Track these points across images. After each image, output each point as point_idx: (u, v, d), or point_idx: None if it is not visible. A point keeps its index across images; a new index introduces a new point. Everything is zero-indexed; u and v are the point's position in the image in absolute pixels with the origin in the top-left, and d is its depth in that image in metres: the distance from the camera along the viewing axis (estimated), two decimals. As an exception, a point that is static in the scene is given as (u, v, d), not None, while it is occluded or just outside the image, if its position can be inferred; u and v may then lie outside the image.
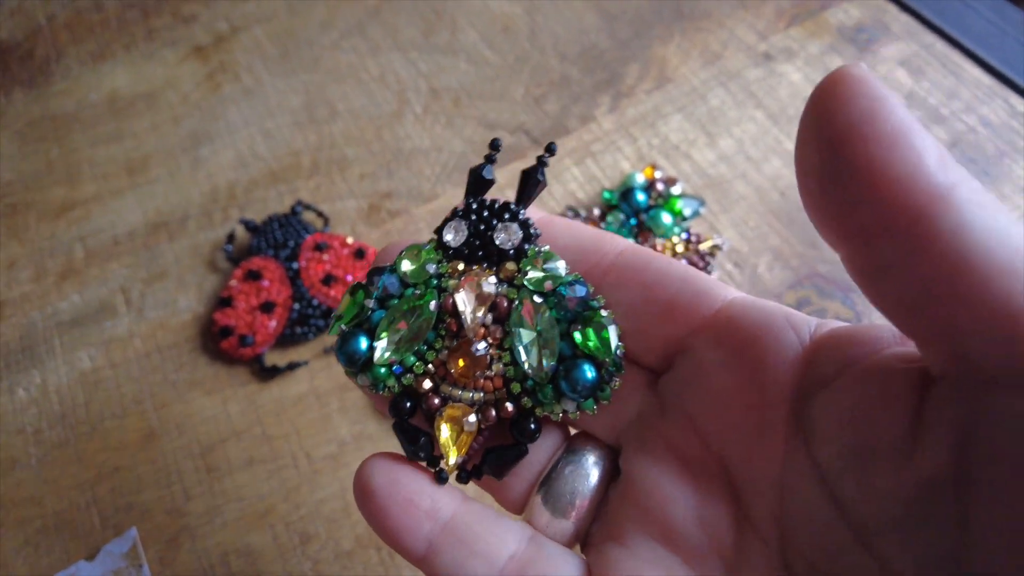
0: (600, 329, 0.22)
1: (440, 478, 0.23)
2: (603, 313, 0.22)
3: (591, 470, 0.24)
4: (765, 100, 0.54)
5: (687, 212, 0.46)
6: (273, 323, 0.45)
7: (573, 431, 0.25)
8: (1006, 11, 0.58)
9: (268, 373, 0.44)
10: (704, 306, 0.22)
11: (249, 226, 0.49)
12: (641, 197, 0.46)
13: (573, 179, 0.51)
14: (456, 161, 0.52)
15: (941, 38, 0.57)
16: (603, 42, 0.58)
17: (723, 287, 0.22)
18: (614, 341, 0.22)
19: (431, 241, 0.24)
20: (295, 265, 0.47)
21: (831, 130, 0.16)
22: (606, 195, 0.48)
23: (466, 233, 0.24)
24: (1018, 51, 0.56)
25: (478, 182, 0.24)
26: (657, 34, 0.58)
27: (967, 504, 0.16)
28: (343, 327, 0.23)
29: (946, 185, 0.15)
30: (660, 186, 0.48)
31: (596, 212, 0.48)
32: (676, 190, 0.48)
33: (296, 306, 0.46)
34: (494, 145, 0.24)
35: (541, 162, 0.24)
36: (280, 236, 0.48)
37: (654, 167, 0.49)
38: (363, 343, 0.23)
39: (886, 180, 0.15)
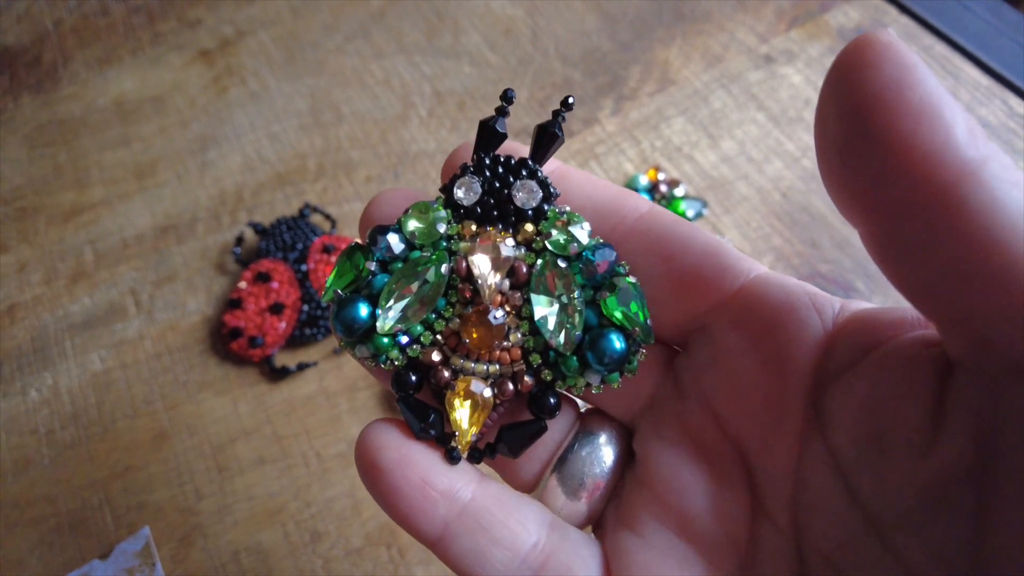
0: (628, 297, 0.20)
1: (452, 458, 0.21)
2: (631, 280, 0.20)
3: (606, 452, 0.22)
4: (766, 102, 0.55)
5: (690, 213, 0.47)
6: (283, 324, 0.45)
7: (583, 407, 0.24)
8: (1004, 13, 0.59)
9: (278, 374, 0.45)
10: (727, 282, 0.21)
11: (257, 229, 0.49)
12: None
13: (577, 181, 0.52)
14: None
15: (940, 40, 0.57)
16: (605, 44, 0.59)
17: (748, 261, 0.21)
18: (644, 309, 0.20)
19: (438, 199, 0.22)
20: (304, 267, 0.47)
21: (855, 100, 0.15)
22: (610, 196, 0.49)
23: (479, 191, 0.21)
24: (1016, 52, 0.56)
25: (490, 135, 0.22)
26: (658, 36, 0.59)
27: (986, 497, 0.15)
28: (339, 292, 0.21)
29: (976, 160, 0.14)
30: (664, 188, 0.48)
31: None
32: (679, 192, 0.48)
33: (305, 308, 0.46)
34: (506, 97, 0.22)
35: (558, 115, 0.22)
36: (288, 239, 0.48)
37: (657, 169, 0.50)
38: (363, 310, 0.20)
39: (913, 154, 0.14)
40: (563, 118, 0.22)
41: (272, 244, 0.48)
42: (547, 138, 0.21)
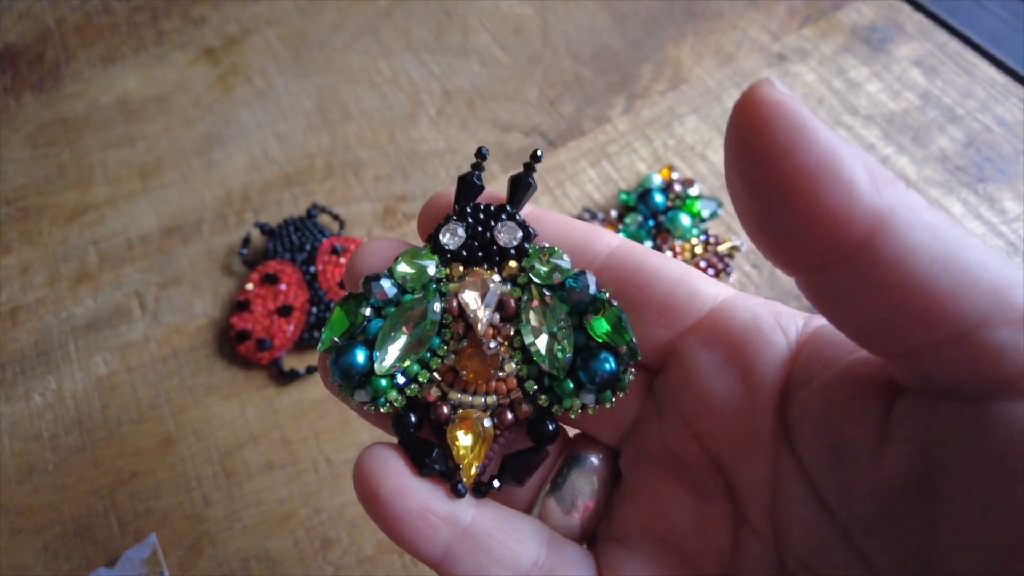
0: (613, 316, 0.21)
1: (458, 492, 0.22)
2: (613, 302, 0.22)
3: (595, 474, 0.24)
4: (780, 100, 0.54)
5: (705, 213, 0.46)
6: (291, 327, 0.45)
7: (571, 433, 0.25)
8: (1019, 9, 0.58)
9: (286, 377, 0.44)
10: (696, 307, 0.22)
11: (265, 230, 0.49)
12: (659, 199, 0.46)
13: (589, 180, 0.51)
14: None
15: (954, 36, 0.57)
16: (615, 43, 0.58)
17: (717, 286, 0.22)
18: (628, 329, 0.21)
19: (426, 246, 0.23)
20: (312, 269, 0.47)
21: (754, 172, 0.15)
22: (623, 197, 0.48)
23: (464, 235, 0.23)
24: (1032, 50, 0.55)
25: (469, 188, 0.24)
26: (669, 35, 0.58)
27: (933, 508, 0.16)
28: (336, 339, 0.22)
29: (884, 209, 0.15)
30: (678, 187, 0.48)
31: (613, 214, 0.48)
32: (694, 191, 0.48)
33: (314, 310, 0.45)
34: (480, 154, 0.24)
35: (529, 167, 0.23)
36: (296, 240, 0.48)
37: (671, 168, 0.49)
38: (360, 356, 0.21)
39: (820, 218, 0.15)
40: (534, 168, 0.23)
41: (280, 245, 0.48)
42: (521, 187, 0.23)
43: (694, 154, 0.52)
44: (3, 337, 0.47)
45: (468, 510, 0.22)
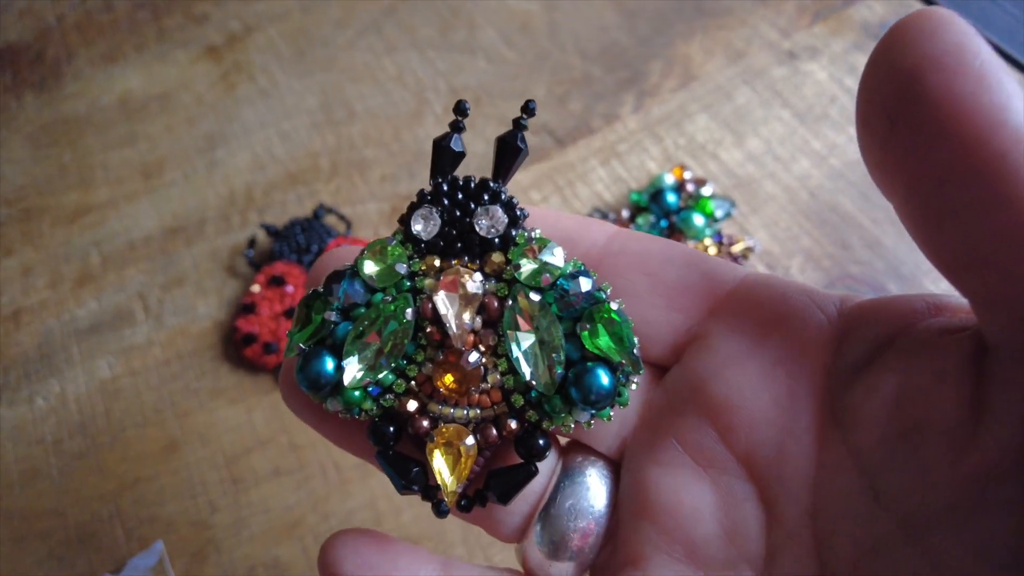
0: (611, 325, 0.19)
1: (440, 512, 0.20)
2: (612, 306, 0.19)
3: (595, 492, 0.21)
4: (791, 99, 0.53)
5: (719, 213, 0.46)
6: (297, 330, 0.44)
7: (564, 440, 0.22)
8: (1032, 6, 0.57)
9: (293, 381, 0.43)
10: (715, 289, 0.20)
11: (270, 231, 0.48)
12: (672, 198, 0.46)
13: (599, 180, 0.50)
14: (478, 162, 0.51)
15: (967, 34, 0.56)
16: (624, 39, 0.57)
17: (732, 266, 0.20)
18: (630, 337, 0.19)
19: (396, 233, 0.20)
20: (318, 270, 0.46)
21: (912, 61, 0.14)
22: (634, 196, 0.47)
23: (439, 221, 0.20)
24: (1046, 47, 0.55)
25: (445, 156, 0.20)
26: (679, 32, 0.58)
27: None
28: (301, 345, 0.19)
29: None
30: (690, 187, 0.47)
31: (625, 213, 0.47)
32: (707, 191, 0.47)
33: (320, 312, 0.45)
34: (460, 109, 0.20)
35: (519, 125, 0.20)
36: (303, 240, 0.47)
37: (683, 168, 0.48)
38: (329, 363, 0.19)
39: (971, 116, 0.14)
40: (525, 126, 0.20)
41: (286, 246, 0.47)
42: (509, 152, 0.20)
43: (705, 153, 0.51)
44: (6, 340, 0.47)
45: None
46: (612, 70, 0.56)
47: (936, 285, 0.45)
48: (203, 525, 0.40)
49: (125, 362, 0.45)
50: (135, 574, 0.38)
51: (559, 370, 0.19)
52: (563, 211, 0.23)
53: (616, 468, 0.21)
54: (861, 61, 0.55)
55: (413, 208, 0.20)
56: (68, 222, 0.51)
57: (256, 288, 0.45)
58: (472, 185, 0.20)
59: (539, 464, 0.20)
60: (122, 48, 0.60)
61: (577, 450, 0.22)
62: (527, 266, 0.19)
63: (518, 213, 0.20)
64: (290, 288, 0.45)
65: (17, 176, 0.54)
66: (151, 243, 0.50)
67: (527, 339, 0.19)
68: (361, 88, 0.56)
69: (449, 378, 0.19)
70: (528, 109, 0.20)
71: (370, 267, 0.19)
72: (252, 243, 0.48)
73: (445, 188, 0.20)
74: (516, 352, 0.19)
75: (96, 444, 0.43)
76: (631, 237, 0.21)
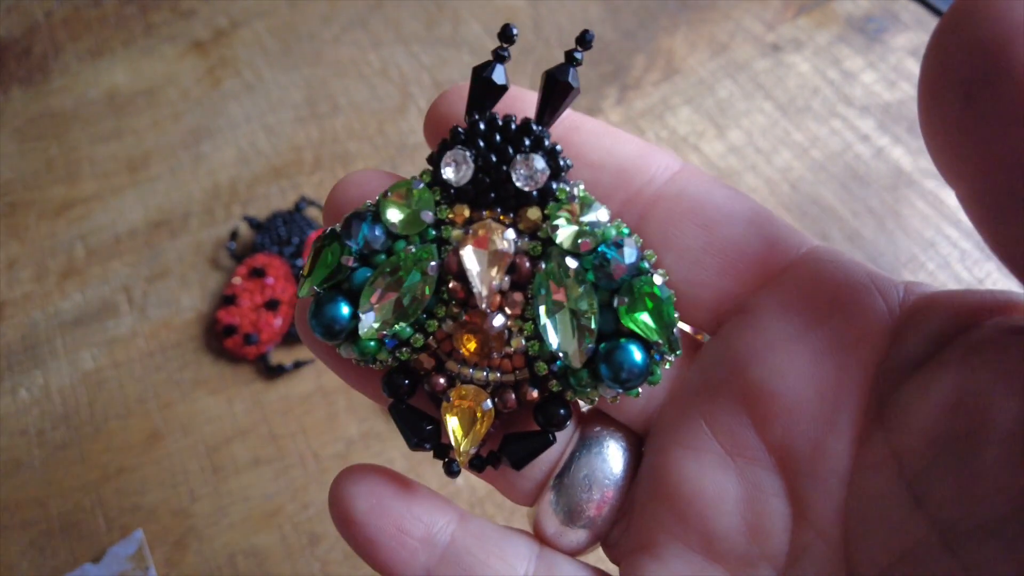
0: (652, 301, 0.17)
1: (451, 471, 0.19)
2: (656, 280, 0.17)
3: (612, 464, 0.20)
4: (774, 91, 0.53)
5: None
6: (278, 321, 0.44)
7: (584, 407, 0.21)
8: (1016, -1, 0.57)
9: (274, 372, 0.43)
10: (777, 257, 0.18)
11: (252, 223, 0.48)
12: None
13: (580, 172, 0.51)
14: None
15: (951, 26, 0.56)
16: (608, 33, 0.58)
17: (799, 235, 0.18)
18: (670, 315, 0.17)
19: (424, 174, 0.19)
20: (300, 262, 0.46)
21: (993, 30, 0.13)
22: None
23: (472, 167, 0.18)
24: (1029, 39, 0.55)
25: (485, 89, 0.18)
26: (662, 25, 0.58)
27: None
28: (316, 288, 0.18)
29: None
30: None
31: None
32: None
33: (301, 303, 0.45)
34: (506, 35, 0.18)
35: (572, 59, 0.17)
36: (284, 233, 0.47)
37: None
38: (344, 309, 0.18)
39: None
40: (578, 62, 0.17)
41: (267, 239, 0.47)
42: (559, 90, 0.17)
43: (687, 145, 0.51)
44: (-11, 332, 0.47)
45: (448, 528, 0.19)
46: (596, 64, 0.56)
47: (914, 275, 0.45)
48: (184, 514, 0.40)
49: (109, 354, 0.46)
50: (115, 562, 0.38)
51: (589, 344, 0.17)
52: (618, 130, 0.20)
53: (638, 441, 0.20)
54: (844, 53, 0.55)
55: (444, 148, 0.18)
56: (54, 215, 0.52)
57: (237, 280, 0.46)
58: (512, 127, 0.18)
59: (556, 433, 0.19)
60: (109, 43, 0.60)
61: (597, 419, 0.20)
62: (565, 228, 0.17)
63: (561, 164, 0.18)
64: (270, 280, 0.45)
65: (3, 170, 0.54)
66: (136, 236, 0.50)
67: (559, 309, 0.17)
68: (346, 82, 0.57)
69: (473, 345, 0.18)
70: (584, 41, 0.17)
71: (394, 214, 0.18)
72: (234, 235, 0.48)
73: (482, 127, 0.18)
74: (544, 319, 0.17)
75: (79, 435, 0.43)
76: (694, 178, 0.19)
